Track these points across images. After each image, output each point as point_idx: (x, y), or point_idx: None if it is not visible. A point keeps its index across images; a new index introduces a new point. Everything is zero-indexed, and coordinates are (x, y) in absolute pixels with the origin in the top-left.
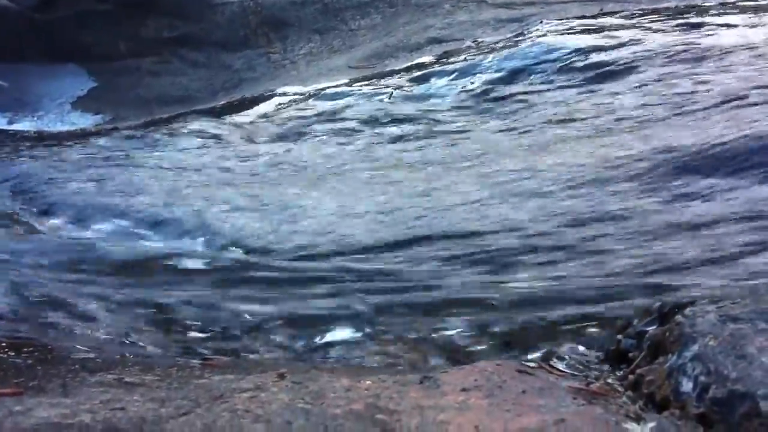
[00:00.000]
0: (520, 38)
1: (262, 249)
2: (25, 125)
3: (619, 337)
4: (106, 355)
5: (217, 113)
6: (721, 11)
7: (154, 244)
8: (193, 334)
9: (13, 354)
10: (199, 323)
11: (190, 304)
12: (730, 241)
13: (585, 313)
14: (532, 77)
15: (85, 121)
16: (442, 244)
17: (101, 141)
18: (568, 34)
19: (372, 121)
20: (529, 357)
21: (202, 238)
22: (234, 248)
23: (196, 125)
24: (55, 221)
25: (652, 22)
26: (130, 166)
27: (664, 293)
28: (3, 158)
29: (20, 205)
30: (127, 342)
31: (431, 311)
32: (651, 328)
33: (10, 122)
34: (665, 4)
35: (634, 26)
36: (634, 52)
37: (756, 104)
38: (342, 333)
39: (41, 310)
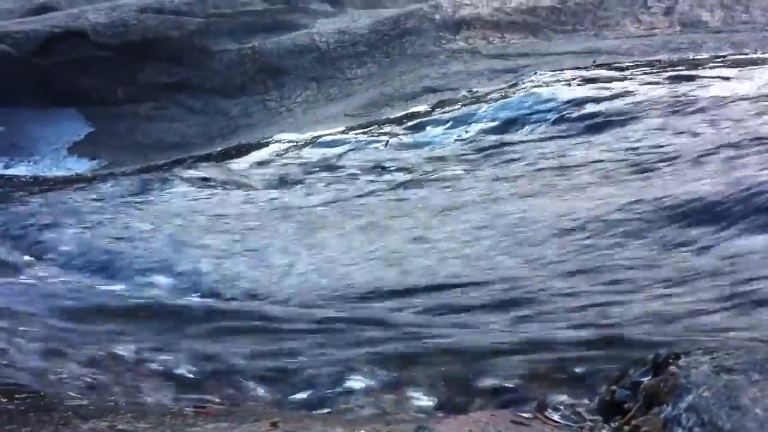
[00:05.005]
0: (514, 88)
1: (257, 296)
2: (21, 170)
3: (614, 387)
4: (98, 401)
5: (214, 159)
6: (713, 64)
7: (148, 290)
8: (186, 381)
9: (5, 400)
10: (192, 370)
11: (184, 351)
12: (723, 292)
13: (579, 364)
14: (526, 127)
15: (81, 166)
16: (437, 293)
17: (97, 186)
18: (562, 85)
19: (368, 169)
20: (524, 407)
21: (197, 285)
22: (228, 295)
23: (192, 171)
24: (49, 267)
25: (645, 74)
26: (125, 212)
27: (658, 344)
28: None
29: (15, 250)
30: (120, 388)
31: (426, 360)
32: (646, 379)
33: (6, 167)
34: (657, 57)
35: (626, 78)
36: (627, 104)
37: (748, 155)
38: (335, 381)
39: (34, 356)
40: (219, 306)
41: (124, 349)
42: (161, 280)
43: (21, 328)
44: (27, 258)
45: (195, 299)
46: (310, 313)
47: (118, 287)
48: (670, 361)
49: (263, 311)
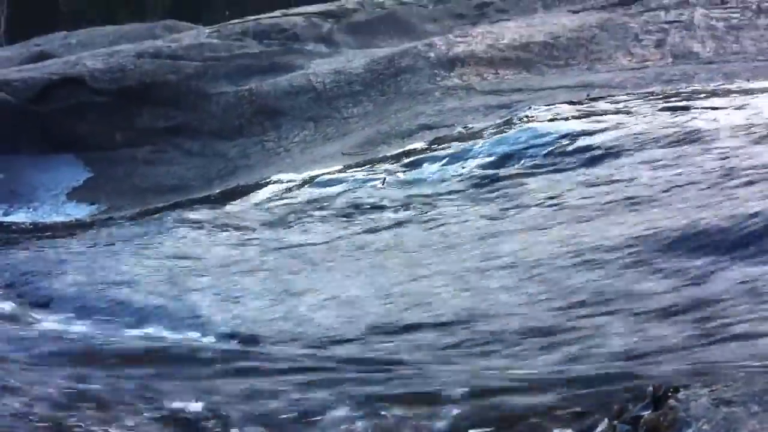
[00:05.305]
0: (509, 124)
1: (257, 338)
2: (20, 217)
3: (615, 422)
4: None
5: (212, 201)
6: (708, 95)
7: (151, 335)
8: (190, 425)
9: None
10: (196, 415)
11: (187, 396)
12: (723, 322)
13: (579, 399)
14: (522, 161)
15: (80, 211)
16: (437, 331)
17: (96, 231)
18: (557, 119)
19: (365, 207)
20: None
21: (198, 328)
22: (229, 337)
23: (191, 214)
24: (50, 314)
25: (639, 106)
26: (125, 256)
27: (658, 376)
28: None
29: (14, 298)
30: None
31: (426, 401)
32: (646, 413)
33: (6, 214)
34: (650, 89)
35: (620, 111)
36: (622, 136)
37: (745, 185)
38: (335, 423)
39: (35, 407)
40: (219, 350)
41: (129, 396)
42: (163, 323)
43: (22, 378)
44: (27, 306)
45: (196, 343)
46: (314, 353)
47: (119, 332)
48: (670, 394)
49: (262, 353)
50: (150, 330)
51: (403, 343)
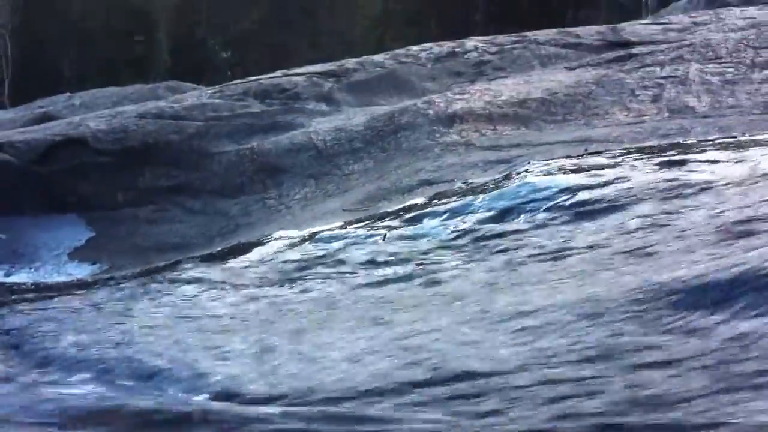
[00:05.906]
0: (508, 179)
1: (259, 397)
2: (22, 277)
3: None
4: None
5: (214, 259)
6: (703, 148)
7: (150, 396)
8: None
9: None
10: None
11: None
12: (724, 375)
13: None
14: (521, 216)
15: (82, 271)
16: (437, 387)
17: (97, 291)
18: (555, 173)
19: (366, 263)
20: None
21: (199, 388)
22: (230, 397)
23: (192, 272)
24: (49, 375)
25: (636, 160)
26: (126, 316)
27: (659, 430)
28: None
29: (14, 359)
30: None
31: None
32: None
33: (7, 274)
34: (648, 144)
35: (618, 165)
36: (620, 190)
37: (742, 237)
38: None
39: None
40: (220, 411)
41: None
42: (164, 383)
43: None
44: (28, 367)
45: (196, 404)
46: (315, 412)
47: (120, 393)
48: None
49: (264, 414)
50: (150, 389)
51: (404, 400)
